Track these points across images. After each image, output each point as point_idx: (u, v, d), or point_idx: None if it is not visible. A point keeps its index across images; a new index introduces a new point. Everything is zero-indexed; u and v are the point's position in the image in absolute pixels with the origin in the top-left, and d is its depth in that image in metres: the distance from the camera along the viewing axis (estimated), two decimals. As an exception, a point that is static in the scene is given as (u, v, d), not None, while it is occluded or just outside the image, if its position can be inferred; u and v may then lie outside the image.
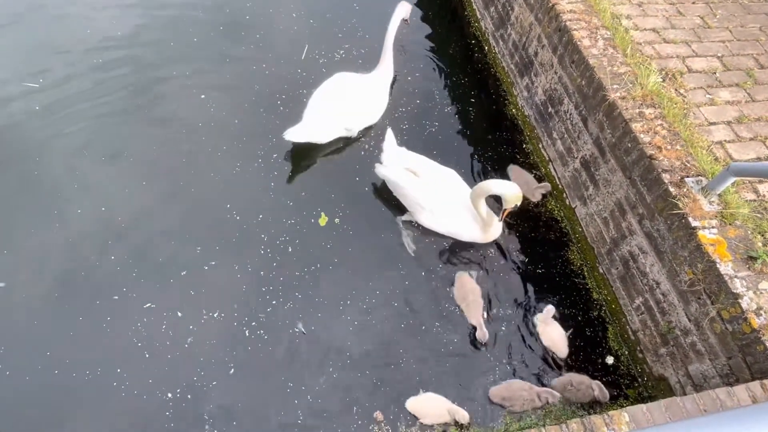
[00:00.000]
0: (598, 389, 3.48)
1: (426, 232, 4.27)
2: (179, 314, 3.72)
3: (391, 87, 5.12)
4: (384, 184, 4.42)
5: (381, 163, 4.29)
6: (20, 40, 5.28)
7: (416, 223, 4.28)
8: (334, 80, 4.73)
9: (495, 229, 4.15)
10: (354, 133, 4.83)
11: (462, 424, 3.34)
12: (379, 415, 3.39)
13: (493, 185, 3.81)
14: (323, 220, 4.25)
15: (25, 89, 4.85)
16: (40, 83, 4.91)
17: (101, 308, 3.71)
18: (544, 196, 4.55)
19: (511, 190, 3.76)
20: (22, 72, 4.98)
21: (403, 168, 4.18)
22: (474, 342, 3.74)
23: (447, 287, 4.01)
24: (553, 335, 3.76)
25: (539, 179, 4.70)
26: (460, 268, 4.11)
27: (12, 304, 3.69)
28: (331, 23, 5.82)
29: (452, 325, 3.83)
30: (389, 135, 4.34)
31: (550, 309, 3.83)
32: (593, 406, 3.53)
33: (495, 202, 4.33)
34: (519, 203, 3.83)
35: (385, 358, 3.66)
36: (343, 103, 4.61)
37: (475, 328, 3.74)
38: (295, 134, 4.38)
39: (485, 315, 3.81)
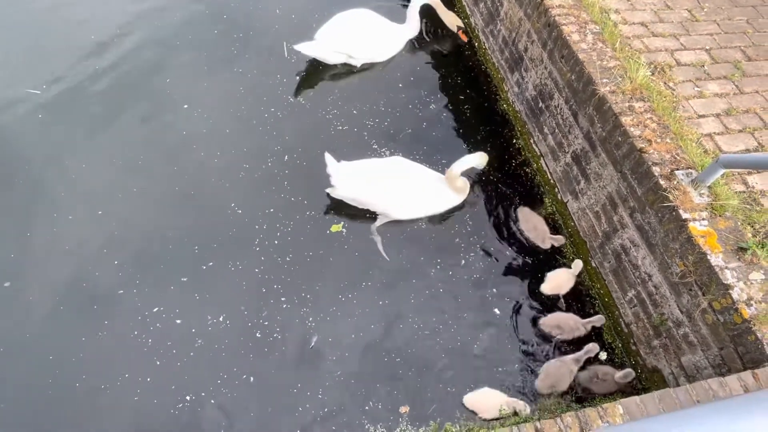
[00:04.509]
0: (622, 374, 3.55)
1: (408, 237, 4.28)
2: (184, 318, 3.72)
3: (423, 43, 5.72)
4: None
5: (332, 186, 4.14)
6: (22, 46, 5.23)
7: (384, 226, 4.27)
8: (356, 12, 5.18)
9: (465, 187, 4.38)
10: (358, 63, 5.30)
11: (521, 414, 3.40)
12: (405, 408, 3.42)
13: (462, 165, 4.19)
14: (336, 228, 4.24)
15: (28, 96, 4.83)
16: (43, 89, 4.89)
17: (105, 313, 3.72)
18: (554, 246, 4.29)
19: (477, 159, 4.25)
20: (24, 79, 4.95)
21: (354, 180, 4.12)
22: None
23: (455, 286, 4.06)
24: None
25: (532, 177, 4.72)
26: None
27: (15, 307, 3.71)
28: (311, 16, 5.68)
29: (458, 326, 3.88)
30: (327, 157, 4.10)
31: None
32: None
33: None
34: (485, 160, 4.30)
35: (400, 354, 3.69)
36: (354, 31, 5.10)
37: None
38: (305, 48, 4.95)
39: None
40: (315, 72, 5.30)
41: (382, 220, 4.28)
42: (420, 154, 4.73)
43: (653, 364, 3.53)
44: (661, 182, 3.28)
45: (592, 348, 3.66)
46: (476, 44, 5.79)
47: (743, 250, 3.02)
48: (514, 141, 4.99)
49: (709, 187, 3.26)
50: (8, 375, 3.44)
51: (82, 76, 5.03)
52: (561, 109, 4.27)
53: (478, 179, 4.67)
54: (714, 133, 3.72)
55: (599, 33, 4.14)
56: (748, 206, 3.27)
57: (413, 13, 5.38)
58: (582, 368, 3.63)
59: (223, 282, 3.91)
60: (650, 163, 3.36)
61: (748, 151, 3.64)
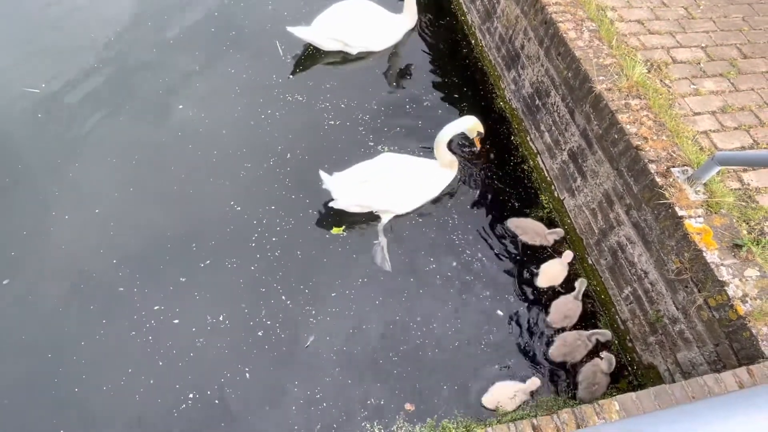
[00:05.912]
0: (607, 365, 3.62)
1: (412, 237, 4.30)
2: (183, 317, 3.73)
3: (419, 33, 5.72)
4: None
5: (334, 199, 4.12)
6: (20, 45, 5.22)
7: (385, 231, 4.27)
8: (355, 1, 5.18)
9: (455, 162, 4.44)
10: (353, 51, 5.31)
11: (534, 391, 3.52)
12: (409, 406, 3.45)
13: (451, 129, 4.18)
14: (337, 230, 4.24)
15: (26, 94, 4.82)
16: (42, 88, 4.88)
17: (103, 312, 3.72)
18: (557, 241, 4.30)
19: (467, 122, 4.20)
20: (22, 77, 4.94)
21: (353, 187, 4.10)
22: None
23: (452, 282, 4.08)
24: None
25: (529, 174, 4.74)
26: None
27: (13, 306, 3.71)
28: (300, 12, 5.68)
29: (451, 326, 3.89)
30: (322, 174, 4.05)
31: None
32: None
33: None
34: (481, 129, 4.27)
35: (400, 353, 3.72)
36: (351, 19, 5.12)
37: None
38: (300, 31, 4.95)
39: None
40: (311, 64, 5.31)
41: (386, 218, 4.26)
42: (416, 151, 4.74)
43: (649, 360, 3.56)
44: (657, 180, 3.30)
45: (604, 333, 3.78)
46: (473, 42, 5.80)
47: (739, 247, 3.04)
48: (512, 138, 5.00)
49: (705, 184, 3.28)
50: (7, 374, 3.44)
51: (79, 75, 5.03)
52: (557, 106, 4.28)
53: (476, 177, 4.68)
54: (710, 130, 3.74)
55: (596, 30, 4.15)
56: (743, 203, 3.30)
57: (410, 3, 5.35)
58: (575, 385, 3.65)
59: (222, 280, 3.92)
60: (646, 161, 3.37)
61: (743, 148, 3.66)
